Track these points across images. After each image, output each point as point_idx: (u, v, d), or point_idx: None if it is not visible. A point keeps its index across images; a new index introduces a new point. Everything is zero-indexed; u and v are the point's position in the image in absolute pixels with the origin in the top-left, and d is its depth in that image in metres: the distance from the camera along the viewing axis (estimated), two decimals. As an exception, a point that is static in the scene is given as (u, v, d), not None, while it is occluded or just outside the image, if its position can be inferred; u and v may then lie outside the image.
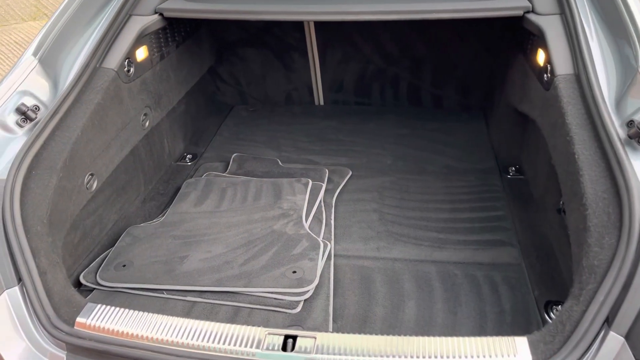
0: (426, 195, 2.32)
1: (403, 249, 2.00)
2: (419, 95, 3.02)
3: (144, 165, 2.34)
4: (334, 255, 1.99)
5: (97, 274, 1.84)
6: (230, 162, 2.57)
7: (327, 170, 2.45)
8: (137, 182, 2.28)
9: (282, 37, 2.94)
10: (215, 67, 3.04)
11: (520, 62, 2.24)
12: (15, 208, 1.52)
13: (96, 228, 1.99)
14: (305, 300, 1.74)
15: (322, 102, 3.15)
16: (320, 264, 1.87)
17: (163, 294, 1.78)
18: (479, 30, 2.72)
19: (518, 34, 2.30)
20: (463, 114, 2.98)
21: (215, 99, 3.16)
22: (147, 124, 2.23)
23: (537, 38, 1.97)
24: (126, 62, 2.03)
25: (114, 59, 1.97)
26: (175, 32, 2.44)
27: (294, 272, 1.82)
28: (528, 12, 2.00)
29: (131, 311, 1.45)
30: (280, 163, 2.55)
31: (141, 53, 2.15)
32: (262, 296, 1.75)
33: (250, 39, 2.97)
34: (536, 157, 2.16)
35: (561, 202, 1.67)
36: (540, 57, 1.95)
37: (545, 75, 1.88)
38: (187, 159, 2.68)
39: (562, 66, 1.76)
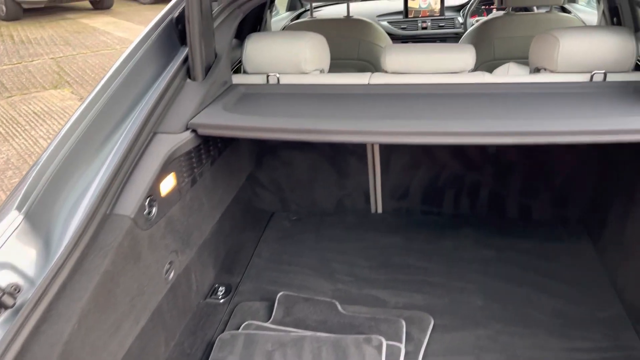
0: (543, 363, 1.72)
1: None
2: (503, 204, 2.46)
3: (165, 319, 1.79)
4: None
5: None
6: (275, 305, 2.00)
7: (403, 322, 1.87)
8: (155, 344, 1.73)
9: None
10: (253, 172, 2.53)
11: None
12: None
13: None
14: None
15: (380, 210, 2.61)
16: None
17: None
18: None
19: None
20: (558, 228, 2.40)
21: (251, 207, 2.64)
22: (171, 275, 1.70)
23: None
24: (147, 202, 1.51)
25: (132, 201, 1.46)
26: (211, 146, 1.95)
27: None
28: None
29: None
30: (339, 307, 1.98)
31: (167, 184, 1.64)
32: None
33: (297, 142, 2.47)
34: None
35: None
36: None
37: None
38: (218, 293, 2.13)
39: None
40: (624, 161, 2.06)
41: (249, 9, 2.08)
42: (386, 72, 2.12)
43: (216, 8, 2.08)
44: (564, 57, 1.94)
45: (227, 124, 1.69)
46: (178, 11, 2.00)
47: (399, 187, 2.51)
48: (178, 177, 1.71)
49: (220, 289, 2.16)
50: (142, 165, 1.54)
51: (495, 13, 3.90)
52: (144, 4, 12.51)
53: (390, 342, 1.77)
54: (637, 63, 2.27)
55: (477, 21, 3.97)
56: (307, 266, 2.28)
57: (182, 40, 1.94)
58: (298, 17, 4.26)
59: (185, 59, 1.88)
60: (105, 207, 1.40)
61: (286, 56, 2.12)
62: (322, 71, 2.23)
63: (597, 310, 1.92)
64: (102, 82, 1.68)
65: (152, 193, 1.54)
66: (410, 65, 2.07)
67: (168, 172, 1.64)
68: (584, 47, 1.93)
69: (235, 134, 1.73)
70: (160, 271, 1.62)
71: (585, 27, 2.80)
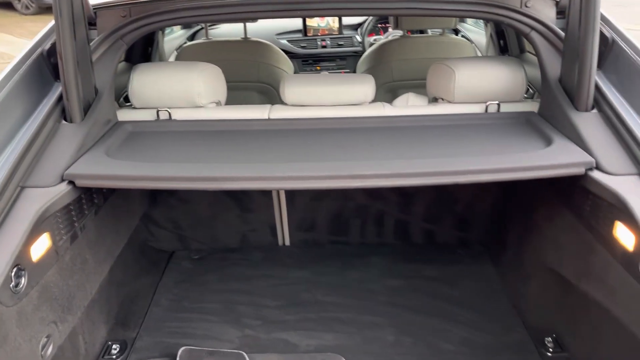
0: (455, 399, 1.71)
1: None
2: (407, 230, 2.47)
3: None
4: None
5: None
6: (177, 362, 1.84)
7: (314, 370, 1.79)
8: None
9: None
10: (147, 212, 2.33)
11: (571, 224, 1.72)
12: None
13: None
14: None
15: (287, 243, 2.51)
16: None
17: None
18: None
19: (563, 188, 1.79)
20: (461, 251, 2.45)
21: (147, 248, 2.43)
22: (49, 349, 1.48)
23: (609, 206, 1.47)
24: (13, 273, 1.30)
25: None
26: (94, 193, 1.74)
27: None
28: (590, 169, 1.51)
29: None
30: (246, 358, 1.86)
31: (40, 246, 1.43)
32: None
33: None
34: (596, 334, 1.62)
35: None
36: (624, 235, 1.43)
37: None
38: (112, 351, 1.91)
39: None
40: (522, 186, 2.13)
41: (133, 39, 1.90)
42: (286, 104, 2.04)
43: (96, 38, 1.88)
44: (460, 88, 1.96)
45: (110, 173, 1.50)
46: (50, 42, 1.78)
47: (306, 218, 2.43)
48: (54, 236, 1.49)
49: (114, 346, 1.95)
50: (6, 228, 1.32)
51: (392, 32, 3.98)
52: (25, 14, 11.53)
53: (302, 394, 1.68)
54: (528, 88, 2.36)
55: (374, 40, 4.03)
56: (210, 312, 2.12)
57: (56, 75, 1.72)
58: (193, 35, 4.08)
59: (60, 98, 1.67)
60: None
61: (178, 89, 1.97)
62: (218, 103, 2.10)
63: (502, 335, 1.96)
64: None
65: (20, 261, 1.33)
66: (310, 98, 2.01)
67: (40, 233, 1.42)
68: (478, 78, 1.97)
69: (119, 185, 1.55)
70: (35, 349, 1.40)
71: (479, 57, 2.90)
